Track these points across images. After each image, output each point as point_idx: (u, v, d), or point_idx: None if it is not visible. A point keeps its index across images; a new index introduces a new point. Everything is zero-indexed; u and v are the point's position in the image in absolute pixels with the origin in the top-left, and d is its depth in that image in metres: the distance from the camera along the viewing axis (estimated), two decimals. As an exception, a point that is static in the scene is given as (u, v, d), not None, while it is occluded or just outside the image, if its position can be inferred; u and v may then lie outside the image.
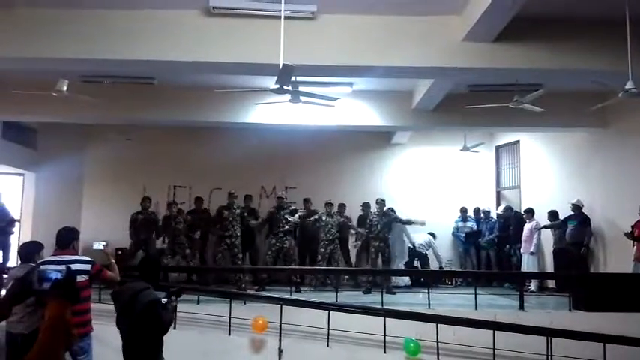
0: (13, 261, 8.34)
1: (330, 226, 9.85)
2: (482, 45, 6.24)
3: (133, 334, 3.89)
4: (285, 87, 5.71)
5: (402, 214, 10.30)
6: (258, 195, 11.76)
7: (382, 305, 7.65)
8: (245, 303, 7.70)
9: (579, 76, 6.98)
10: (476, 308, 7.77)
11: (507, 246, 10.70)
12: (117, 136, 11.55)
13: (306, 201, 11.00)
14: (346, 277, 10.46)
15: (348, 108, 9.21)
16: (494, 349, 6.41)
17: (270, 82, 5.71)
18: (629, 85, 5.64)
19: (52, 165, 10.90)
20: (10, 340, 4.48)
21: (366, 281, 10.03)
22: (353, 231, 10.56)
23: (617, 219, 8.98)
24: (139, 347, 3.90)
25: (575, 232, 9.35)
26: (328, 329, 6.70)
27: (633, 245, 8.27)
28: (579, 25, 6.27)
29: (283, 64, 5.25)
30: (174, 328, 5.87)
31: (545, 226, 10.03)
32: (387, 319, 6.73)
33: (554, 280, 10.05)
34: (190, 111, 9.29)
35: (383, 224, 9.72)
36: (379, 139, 12.18)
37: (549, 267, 10.25)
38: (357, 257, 10.87)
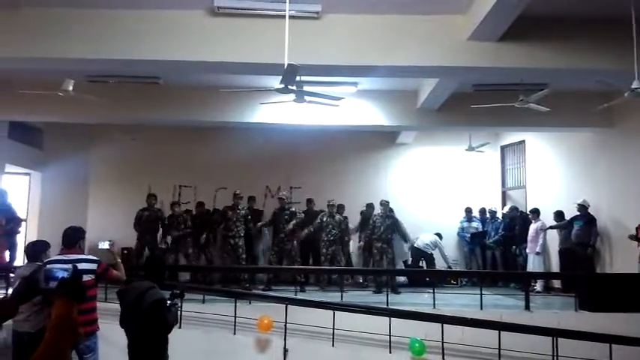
0: (20, 260, 8.38)
1: (331, 226, 9.84)
2: (487, 44, 6.23)
3: (138, 332, 3.91)
4: (290, 87, 5.70)
5: (403, 224, 10.29)
6: (263, 195, 11.78)
7: (387, 305, 7.65)
8: (250, 303, 7.71)
9: (585, 75, 6.94)
10: (481, 308, 7.75)
11: (513, 246, 10.67)
12: (122, 135, 11.59)
13: (309, 201, 11.00)
14: (347, 277, 10.46)
15: (352, 108, 9.20)
16: (499, 349, 6.39)
17: (275, 81, 5.71)
18: (635, 84, 5.61)
19: (58, 164, 10.96)
20: (16, 339, 4.51)
21: (364, 281, 10.08)
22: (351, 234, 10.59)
23: (623, 219, 8.94)
24: (144, 346, 3.92)
25: (581, 232, 9.32)
26: (333, 329, 6.70)
27: (638, 246, 8.23)
28: (585, 24, 6.24)
29: (288, 64, 5.25)
30: (180, 327, 5.90)
31: (551, 227, 9.99)
32: (392, 319, 6.72)
33: (559, 281, 10.02)
34: (195, 111, 9.32)
35: (386, 226, 9.69)
36: (384, 138, 12.16)
37: (555, 267, 10.21)
38: (362, 258, 10.85)
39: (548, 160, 11.12)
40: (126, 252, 10.08)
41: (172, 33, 6.23)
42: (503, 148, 12.52)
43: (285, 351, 6.61)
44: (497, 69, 6.56)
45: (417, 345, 6.56)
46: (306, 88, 6.67)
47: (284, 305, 6.80)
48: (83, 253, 4.83)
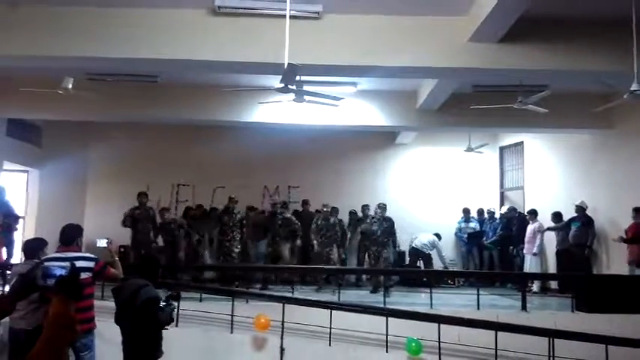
0: (17, 257, 8.37)
1: (325, 229, 9.81)
2: (488, 45, 6.23)
3: (132, 329, 3.93)
4: (289, 86, 5.71)
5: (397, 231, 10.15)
6: (261, 194, 11.78)
7: (384, 305, 7.65)
8: (247, 301, 7.71)
9: (584, 77, 6.96)
10: (478, 309, 7.77)
11: (511, 247, 10.68)
12: (121, 133, 11.57)
13: (305, 202, 10.99)
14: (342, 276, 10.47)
15: (352, 108, 9.20)
16: (496, 349, 6.39)
17: (275, 81, 5.72)
18: (634, 86, 5.61)
19: (56, 162, 10.93)
20: (13, 336, 4.50)
21: (358, 281, 10.15)
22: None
23: (621, 221, 8.94)
24: (139, 342, 3.94)
25: (578, 233, 9.33)
26: (330, 328, 6.70)
27: (627, 247, 8.26)
28: (585, 26, 6.24)
29: (288, 64, 5.25)
30: (177, 325, 5.90)
31: (548, 228, 10.01)
32: (389, 318, 6.72)
33: (556, 282, 10.04)
34: (194, 109, 9.31)
35: (383, 229, 9.29)
36: (383, 139, 12.17)
37: (552, 268, 10.24)
38: (357, 258, 10.86)
39: (546, 162, 11.14)
40: (123, 250, 10.05)
41: (173, 32, 6.23)
42: (501, 149, 12.55)
43: (282, 350, 6.61)
44: (497, 70, 6.58)
45: (413, 345, 6.56)
46: (305, 87, 6.67)
47: (281, 304, 6.81)
48: (81, 251, 4.82)
